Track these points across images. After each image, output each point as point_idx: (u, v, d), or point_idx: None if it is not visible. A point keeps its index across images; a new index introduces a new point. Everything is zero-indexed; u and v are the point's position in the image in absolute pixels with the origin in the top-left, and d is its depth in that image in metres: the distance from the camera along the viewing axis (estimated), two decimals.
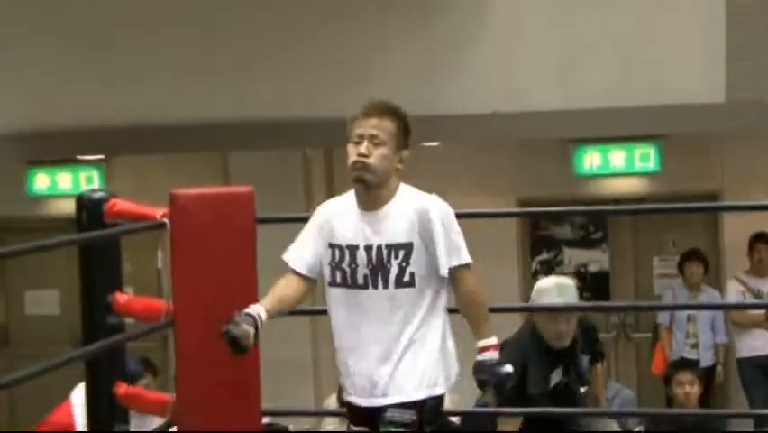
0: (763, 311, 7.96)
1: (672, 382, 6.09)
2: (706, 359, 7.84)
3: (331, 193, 9.14)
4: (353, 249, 3.41)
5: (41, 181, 9.10)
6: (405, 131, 3.46)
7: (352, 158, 3.41)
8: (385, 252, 3.39)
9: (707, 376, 6.95)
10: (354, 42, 7.39)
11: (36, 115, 7.91)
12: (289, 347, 7.40)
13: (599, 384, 5.26)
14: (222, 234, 3.50)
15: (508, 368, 3.44)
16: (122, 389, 3.70)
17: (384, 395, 3.36)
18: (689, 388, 6.01)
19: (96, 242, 3.60)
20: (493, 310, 3.48)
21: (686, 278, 8.03)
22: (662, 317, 8.09)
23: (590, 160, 8.49)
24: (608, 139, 8.32)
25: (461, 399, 5.13)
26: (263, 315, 3.29)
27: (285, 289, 3.43)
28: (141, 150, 8.15)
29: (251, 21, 7.60)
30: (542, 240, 9.12)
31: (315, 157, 8.69)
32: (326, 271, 3.44)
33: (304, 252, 3.48)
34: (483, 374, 3.39)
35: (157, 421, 4.56)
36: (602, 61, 7.30)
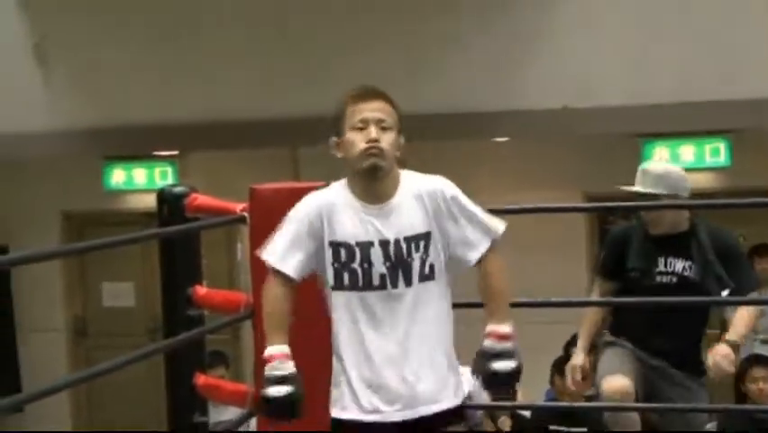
0: None
1: (746, 379, 5.98)
2: None
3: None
4: (365, 246, 3.04)
5: (118, 177, 9.22)
6: (400, 116, 3.14)
7: (362, 145, 3.03)
8: (404, 245, 3.05)
9: None
10: (425, 38, 7.37)
11: (112, 112, 8.01)
12: None
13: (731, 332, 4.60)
14: None
15: (504, 365, 3.06)
16: (201, 380, 3.71)
17: (427, 403, 3.03)
18: (763, 384, 5.90)
19: (177, 235, 3.62)
20: (559, 305, 3.41)
21: (758, 271, 7.88)
22: (730, 313, 7.94)
23: (660, 154, 8.37)
24: (677, 134, 8.21)
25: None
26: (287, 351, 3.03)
27: (288, 310, 3.07)
28: (215, 146, 8.21)
29: (321, 19, 7.62)
30: None
31: None
32: (329, 274, 3.06)
33: (294, 253, 3.07)
34: (476, 366, 3.08)
35: (231, 411, 4.59)
36: (672, 56, 7.20)
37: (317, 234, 3.07)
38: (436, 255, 3.06)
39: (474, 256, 3.08)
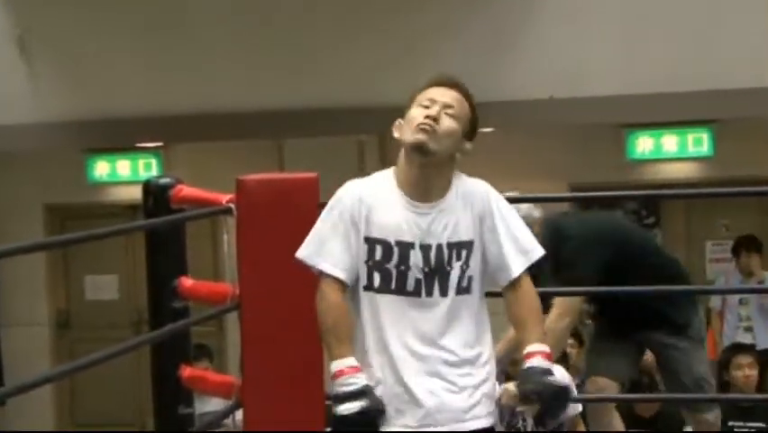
0: None
1: (731, 366, 5.98)
2: (762, 342, 7.71)
3: None
4: (405, 247, 2.79)
5: (101, 169, 9.17)
6: (474, 120, 2.89)
7: (418, 120, 2.80)
8: (446, 252, 2.80)
9: (763, 360, 6.84)
10: (411, 30, 7.36)
11: (96, 104, 7.96)
12: None
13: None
14: (287, 220, 3.47)
15: (562, 379, 2.91)
16: (186, 372, 3.69)
17: (458, 421, 2.80)
18: (748, 371, 5.90)
19: (163, 227, 3.58)
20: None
21: (741, 266, 7.90)
22: (715, 302, 7.98)
23: (643, 145, 8.40)
24: (661, 124, 8.24)
25: None
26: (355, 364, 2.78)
27: (348, 318, 2.81)
28: (199, 137, 8.18)
29: (307, 10, 7.59)
30: None
31: (370, 143, 8.66)
32: (361, 272, 2.81)
33: (345, 256, 2.80)
34: (530, 384, 2.78)
35: (216, 403, 4.56)
36: (656, 47, 7.22)
37: (357, 227, 2.81)
38: (476, 266, 2.84)
39: (510, 275, 2.86)
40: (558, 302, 4.36)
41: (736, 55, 7.17)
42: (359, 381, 2.75)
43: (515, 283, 2.86)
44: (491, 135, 8.37)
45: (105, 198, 9.39)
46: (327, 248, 2.82)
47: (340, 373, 2.76)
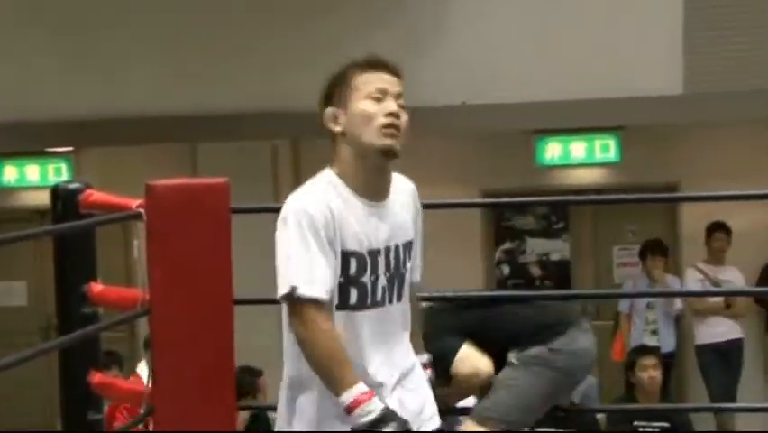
0: (721, 299, 8.05)
1: (636, 367, 6.13)
2: (666, 345, 7.90)
3: (298, 184, 9.14)
4: (374, 255, 2.55)
5: (10, 173, 9.01)
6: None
7: (381, 119, 2.51)
8: (402, 253, 2.59)
9: (666, 362, 7.01)
10: (322, 34, 7.37)
11: (5, 108, 7.81)
12: (256, 336, 7.36)
13: None
14: (198, 224, 3.46)
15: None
16: (96, 378, 3.65)
17: (422, 422, 2.70)
18: (653, 372, 6.06)
19: (71, 232, 3.55)
20: (459, 298, 3.43)
21: (647, 270, 8.06)
22: (623, 305, 8.14)
23: (552, 151, 8.53)
24: (569, 130, 8.37)
25: None
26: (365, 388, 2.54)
27: (342, 345, 2.53)
28: (110, 142, 8.08)
29: (219, 15, 7.56)
30: (505, 230, 9.15)
31: (283, 148, 8.66)
32: (335, 290, 2.56)
33: (326, 274, 2.50)
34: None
35: None
36: (564, 55, 7.33)
37: (333, 243, 2.50)
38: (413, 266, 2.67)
39: (416, 279, 2.72)
40: None
41: (642, 63, 7.32)
42: (377, 406, 2.50)
43: (412, 288, 2.72)
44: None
45: (14, 203, 9.22)
46: (313, 273, 2.50)
47: (356, 404, 2.49)
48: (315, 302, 2.49)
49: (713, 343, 8.03)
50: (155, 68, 7.57)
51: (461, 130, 8.09)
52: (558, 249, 9.13)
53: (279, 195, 8.51)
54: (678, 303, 7.96)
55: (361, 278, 2.54)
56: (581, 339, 3.48)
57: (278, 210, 3.38)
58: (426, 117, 7.88)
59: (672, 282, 8.01)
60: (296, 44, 7.42)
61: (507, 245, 9.12)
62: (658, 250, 8.05)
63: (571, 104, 7.35)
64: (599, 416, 6.23)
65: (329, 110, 2.63)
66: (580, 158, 8.60)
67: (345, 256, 2.53)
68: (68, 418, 3.64)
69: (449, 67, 7.27)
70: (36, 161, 8.94)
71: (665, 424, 5.84)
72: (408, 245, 2.63)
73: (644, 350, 6.57)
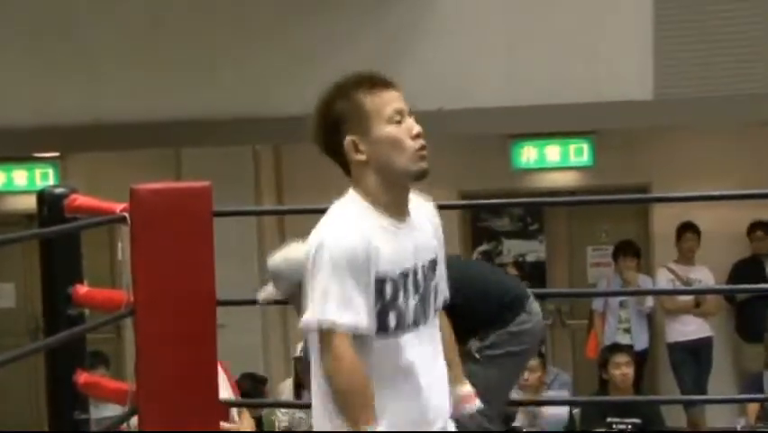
0: (691, 298, 8.09)
1: (609, 365, 6.16)
2: (639, 343, 7.93)
3: (279, 188, 9.18)
4: (405, 276, 2.43)
5: None
6: None
7: (410, 142, 2.41)
8: (427, 271, 2.48)
9: (639, 360, 7.04)
10: (306, 40, 7.37)
11: None
12: (240, 336, 7.36)
13: None
14: (180, 227, 3.47)
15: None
16: (82, 378, 3.65)
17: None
18: (625, 369, 6.09)
19: (56, 236, 3.54)
20: None
21: (620, 270, 8.09)
22: (597, 304, 8.17)
23: (528, 154, 8.56)
24: (544, 135, 8.40)
25: None
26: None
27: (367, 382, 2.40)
28: (96, 147, 8.06)
29: (203, 19, 7.55)
30: (482, 231, 9.17)
31: (265, 153, 8.65)
32: (372, 317, 2.42)
33: (362, 305, 2.37)
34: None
35: (112, 409, 4.51)
36: (539, 61, 7.35)
37: (369, 271, 2.36)
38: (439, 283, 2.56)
39: (446, 296, 2.61)
40: None
41: (614, 70, 7.36)
42: None
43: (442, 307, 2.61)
44: None
45: (2, 208, 9.18)
46: (344, 307, 2.35)
47: None
48: (344, 336, 2.36)
49: (684, 341, 8.07)
50: (140, 75, 7.54)
51: (439, 135, 8.10)
52: (534, 250, 9.15)
53: (261, 198, 8.52)
54: (649, 301, 8.00)
55: (396, 301, 2.41)
56: (535, 309, 3.53)
57: (259, 213, 3.39)
58: None
59: (644, 282, 8.05)
60: (277, 52, 7.42)
61: (485, 246, 9.15)
62: (630, 250, 8.08)
63: (545, 109, 7.37)
64: (574, 411, 6.26)
65: (349, 140, 2.46)
66: (554, 161, 8.64)
67: (381, 281, 2.40)
68: (54, 417, 3.64)
69: (426, 73, 7.28)
70: (23, 167, 8.90)
71: (637, 420, 5.86)
72: (432, 264, 2.52)
73: (617, 348, 6.60)
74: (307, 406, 3.01)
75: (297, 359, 6.52)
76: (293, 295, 3.54)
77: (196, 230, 3.55)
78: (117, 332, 8.52)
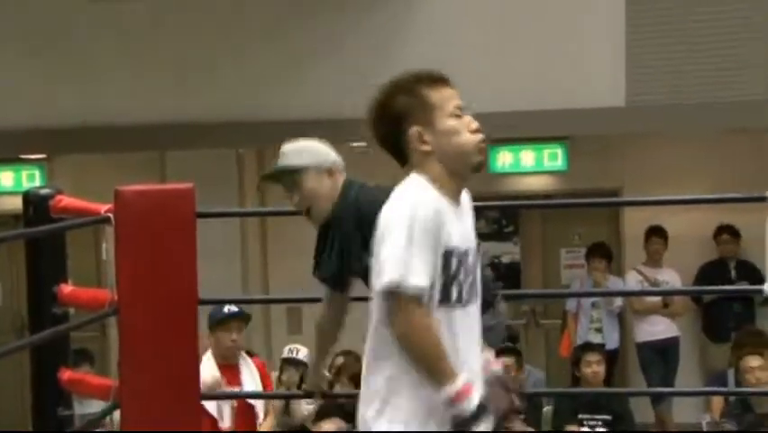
0: (659, 299, 8.15)
1: (581, 363, 6.20)
2: (610, 342, 7.98)
3: (262, 190, 9.16)
4: (466, 256, 2.52)
5: None
6: None
7: (470, 136, 2.54)
8: (475, 255, 2.58)
9: (610, 358, 7.08)
10: (290, 46, 7.38)
11: None
12: None
13: None
14: (164, 228, 3.48)
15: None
16: (66, 374, 3.65)
17: None
18: (596, 367, 6.14)
19: (42, 236, 3.55)
20: None
21: (591, 271, 8.14)
22: (570, 305, 8.21)
23: (503, 159, 8.59)
24: (519, 140, 8.43)
25: None
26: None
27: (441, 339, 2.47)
28: (83, 149, 8.04)
29: (188, 24, 7.54)
30: None
31: (248, 156, 8.65)
32: (437, 287, 2.47)
33: (430, 274, 2.43)
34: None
35: (97, 405, 4.51)
36: (514, 69, 7.37)
37: (438, 241, 2.44)
38: None
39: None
40: None
41: (588, 78, 7.39)
42: (476, 397, 2.46)
43: None
44: (362, 150, 8.47)
45: None
46: (417, 269, 2.41)
47: (461, 395, 2.43)
48: (417, 298, 2.42)
49: (652, 340, 8.12)
50: (126, 79, 7.53)
51: None
52: (509, 252, 9.18)
53: (245, 201, 8.51)
54: (618, 301, 8.06)
55: (458, 276, 2.50)
56: (501, 309, 3.53)
57: (241, 215, 3.40)
58: None
59: (614, 283, 8.10)
60: (261, 58, 7.42)
61: None
62: (599, 253, 8.13)
63: (521, 115, 7.40)
64: (546, 409, 6.29)
65: (414, 130, 2.56)
66: (529, 166, 8.67)
67: (449, 254, 2.48)
68: (38, 413, 3.64)
69: None
70: (10, 168, 8.86)
71: (608, 417, 5.91)
72: (477, 248, 2.63)
73: (588, 347, 6.65)
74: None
75: (287, 360, 6.44)
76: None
77: (180, 231, 3.55)
78: (102, 330, 8.49)
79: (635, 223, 8.52)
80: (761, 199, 3.88)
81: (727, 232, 8.27)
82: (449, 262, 2.47)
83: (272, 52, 7.42)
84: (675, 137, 8.49)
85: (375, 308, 2.50)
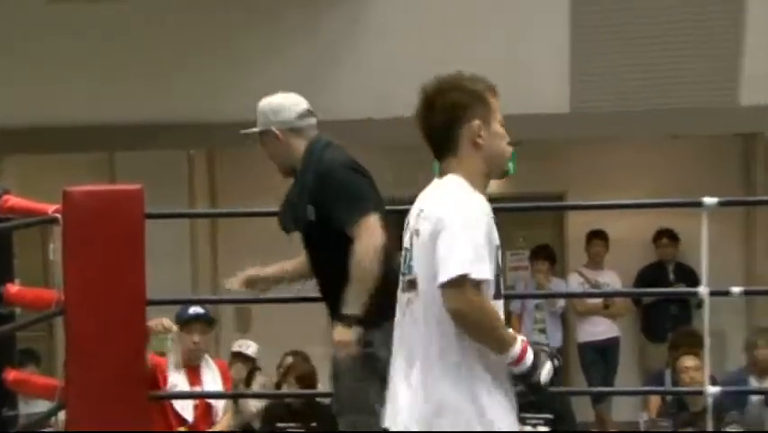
0: (600, 300, 8.22)
1: None
2: (553, 342, 8.02)
3: (213, 192, 9.10)
4: (498, 251, 2.69)
5: None
6: None
7: (507, 147, 2.77)
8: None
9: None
10: (240, 50, 7.33)
11: None
12: None
13: None
14: (112, 229, 3.42)
15: None
16: (11, 375, 3.58)
17: None
18: None
19: None
20: None
21: (535, 273, 8.19)
22: (514, 306, 8.24)
23: None
24: None
25: None
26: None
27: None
28: (31, 150, 7.91)
29: (138, 27, 7.46)
30: None
31: (199, 157, 8.58)
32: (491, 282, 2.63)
33: (492, 268, 2.61)
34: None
35: (44, 404, 4.44)
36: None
37: (491, 237, 2.62)
38: None
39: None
40: None
41: (533, 85, 7.41)
42: (531, 353, 2.67)
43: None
44: None
45: None
46: (480, 260, 2.56)
47: (523, 353, 2.62)
48: (479, 286, 2.55)
49: (593, 341, 8.19)
50: (76, 79, 7.42)
51: (367, 143, 8.11)
52: None
53: (195, 202, 8.43)
54: (561, 302, 8.12)
55: (497, 271, 2.65)
56: None
57: (190, 216, 3.36)
58: (337, 131, 7.90)
59: (556, 285, 8.16)
60: (212, 61, 7.36)
61: None
62: (543, 255, 8.18)
63: None
64: None
65: (476, 123, 2.73)
66: None
67: (496, 249, 2.65)
68: None
69: (355, 84, 7.29)
70: None
71: (549, 415, 5.93)
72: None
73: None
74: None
75: (236, 354, 6.52)
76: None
77: (128, 232, 3.51)
78: (49, 330, 8.36)
79: (578, 226, 8.59)
80: (698, 204, 3.93)
81: (666, 235, 8.37)
82: (497, 258, 2.64)
83: (222, 54, 7.37)
84: (619, 142, 8.57)
85: (430, 313, 2.62)
